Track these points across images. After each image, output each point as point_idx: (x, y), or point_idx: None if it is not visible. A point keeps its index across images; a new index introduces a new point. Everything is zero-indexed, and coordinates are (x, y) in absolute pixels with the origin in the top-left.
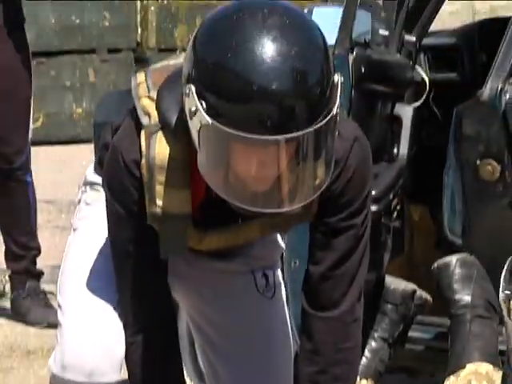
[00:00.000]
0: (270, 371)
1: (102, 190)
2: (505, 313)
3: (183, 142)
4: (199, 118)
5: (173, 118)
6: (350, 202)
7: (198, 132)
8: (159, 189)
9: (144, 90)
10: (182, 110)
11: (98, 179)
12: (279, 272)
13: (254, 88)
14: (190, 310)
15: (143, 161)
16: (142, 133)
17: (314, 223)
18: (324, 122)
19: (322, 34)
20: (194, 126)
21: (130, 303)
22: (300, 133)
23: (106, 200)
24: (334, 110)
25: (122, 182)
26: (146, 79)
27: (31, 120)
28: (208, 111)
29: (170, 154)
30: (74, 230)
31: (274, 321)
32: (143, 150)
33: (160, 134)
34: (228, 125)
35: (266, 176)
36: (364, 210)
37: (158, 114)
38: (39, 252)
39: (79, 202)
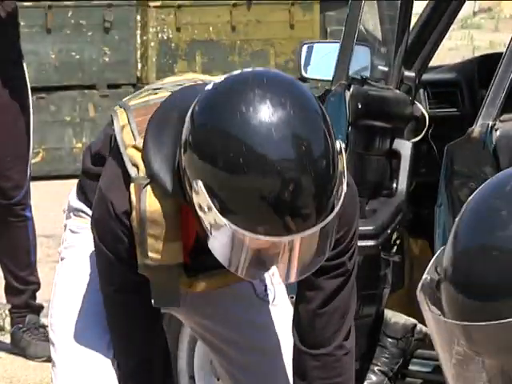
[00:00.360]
0: (282, 369)
1: (86, 216)
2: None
3: (173, 195)
4: (213, 216)
5: (161, 173)
6: (337, 241)
7: (211, 226)
8: (151, 242)
9: (130, 137)
10: (169, 164)
11: (81, 205)
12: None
13: (276, 183)
14: (194, 327)
15: (134, 214)
16: (132, 186)
17: None
18: (337, 209)
19: (314, 97)
20: (206, 218)
21: (121, 345)
22: (320, 226)
23: (96, 248)
24: (341, 200)
25: (113, 230)
26: (128, 122)
27: (30, 155)
28: (222, 211)
29: (160, 209)
30: (62, 259)
31: (280, 323)
32: (133, 203)
33: (149, 188)
34: (244, 225)
35: (277, 256)
36: (351, 248)
37: (146, 167)
38: (39, 286)
39: (64, 228)
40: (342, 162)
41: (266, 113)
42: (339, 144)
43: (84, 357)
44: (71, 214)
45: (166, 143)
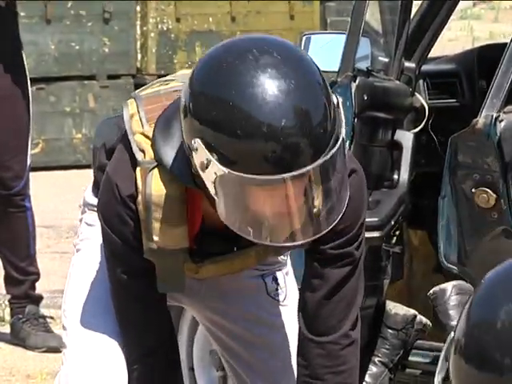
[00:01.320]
0: (289, 369)
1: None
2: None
3: (179, 179)
4: (213, 169)
5: (169, 156)
6: (345, 230)
7: (214, 183)
8: (156, 225)
9: (138, 124)
10: (179, 149)
11: (96, 200)
12: (291, 271)
13: (263, 128)
14: (205, 323)
15: (139, 197)
16: (138, 169)
17: (310, 251)
18: (335, 148)
19: (311, 58)
20: (207, 177)
21: (129, 333)
22: (319, 162)
23: (102, 232)
24: (342, 133)
25: (119, 212)
26: (138, 110)
27: (30, 146)
28: (221, 161)
29: (166, 192)
30: (77, 250)
31: (288, 323)
32: (139, 187)
33: (156, 172)
34: (244, 170)
35: (283, 211)
36: (359, 237)
37: (154, 152)
38: (38, 277)
39: (80, 221)
40: (339, 113)
41: (264, 78)
42: (336, 98)
43: (94, 340)
44: (86, 209)
45: (175, 134)
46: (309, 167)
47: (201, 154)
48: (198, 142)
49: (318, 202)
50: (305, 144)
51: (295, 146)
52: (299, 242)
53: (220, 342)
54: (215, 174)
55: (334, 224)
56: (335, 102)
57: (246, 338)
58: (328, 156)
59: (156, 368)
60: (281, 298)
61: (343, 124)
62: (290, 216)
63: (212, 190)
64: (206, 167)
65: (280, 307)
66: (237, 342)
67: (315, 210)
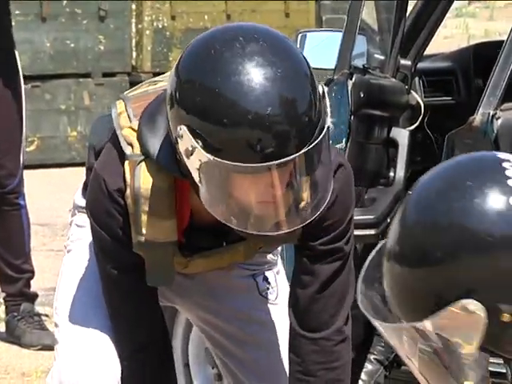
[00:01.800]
0: (281, 366)
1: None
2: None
3: (167, 171)
4: (198, 156)
5: (156, 148)
6: (334, 225)
7: (199, 169)
8: (145, 218)
9: (125, 119)
10: (164, 140)
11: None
12: (282, 270)
13: (249, 116)
14: (198, 323)
15: (128, 191)
16: (126, 163)
17: (300, 248)
18: (320, 137)
19: (298, 49)
20: (192, 164)
21: (120, 328)
22: (304, 150)
23: (92, 229)
24: (327, 123)
25: (107, 208)
26: (126, 108)
27: (23, 143)
28: (205, 148)
29: (154, 184)
30: (68, 251)
31: (280, 321)
32: (128, 181)
33: (144, 165)
34: (228, 157)
35: (267, 200)
36: (348, 233)
37: (140, 144)
38: (33, 275)
39: (70, 224)
40: (325, 103)
41: (250, 66)
42: (321, 87)
43: (86, 336)
44: (76, 211)
45: (161, 126)
46: (294, 155)
47: (186, 141)
48: (183, 129)
49: (302, 190)
50: (290, 132)
51: (281, 135)
52: (284, 231)
53: (213, 341)
54: (200, 160)
55: (319, 213)
56: (321, 92)
57: (238, 337)
58: (313, 145)
59: (147, 364)
60: (272, 297)
61: (328, 114)
62: (274, 204)
63: (196, 178)
64: (191, 154)
65: (271, 306)
66: (230, 340)
67: (300, 198)
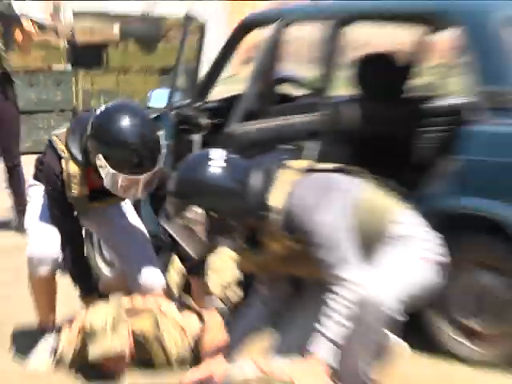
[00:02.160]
0: (147, 250)
1: (39, 185)
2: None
3: (82, 164)
4: (106, 170)
5: (77, 155)
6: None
7: (105, 174)
8: (73, 185)
9: (59, 142)
10: (79, 148)
11: (36, 182)
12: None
13: (129, 147)
14: (99, 233)
15: (64, 174)
16: (62, 160)
17: (153, 197)
18: (161, 162)
19: (143, 110)
20: (103, 171)
21: (59, 227)
22: (154, 169)
23: (45, 186)
24: (162, 151)
25: (54, 179)
26: (58, 138)
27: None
28: (111, 166)
29: (77, 171)
30: (29, 199)
31: (136, 221)
32: (63, 168)
33: (71, 161)
34: (121, 171)
35: (134, 186)
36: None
37: (68, 152)
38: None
39: (28, 192)
40: (162, 148)
41: (126, 121)
42: (161, 139)
43: (43, 229)
44: (30, 187)
45: (77, 140)
46: (151, 171)
47: (101, 162)
48: (100, 156)
49: (148, 183)
50: (148, 157)
51: (142, 157)
52: (139, 196)
53: (108, 242)
54: (107, 170)
55: (149, 190)
56: (159, 134)
57: (116, 234)
58: (159, 164)
59: (74, 243)
60: (126, 208)
61: (163, 145)
62: (136, 186)
63: (103, 175)
64: (101, 167)
65: (125, 211)
66: (113, 236)
67: (147, 185)
